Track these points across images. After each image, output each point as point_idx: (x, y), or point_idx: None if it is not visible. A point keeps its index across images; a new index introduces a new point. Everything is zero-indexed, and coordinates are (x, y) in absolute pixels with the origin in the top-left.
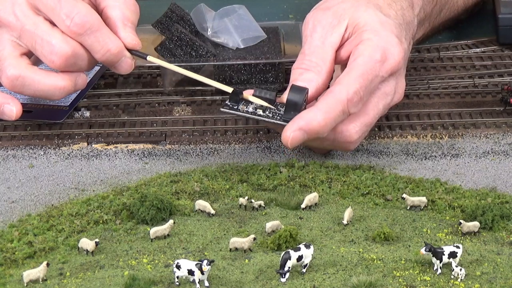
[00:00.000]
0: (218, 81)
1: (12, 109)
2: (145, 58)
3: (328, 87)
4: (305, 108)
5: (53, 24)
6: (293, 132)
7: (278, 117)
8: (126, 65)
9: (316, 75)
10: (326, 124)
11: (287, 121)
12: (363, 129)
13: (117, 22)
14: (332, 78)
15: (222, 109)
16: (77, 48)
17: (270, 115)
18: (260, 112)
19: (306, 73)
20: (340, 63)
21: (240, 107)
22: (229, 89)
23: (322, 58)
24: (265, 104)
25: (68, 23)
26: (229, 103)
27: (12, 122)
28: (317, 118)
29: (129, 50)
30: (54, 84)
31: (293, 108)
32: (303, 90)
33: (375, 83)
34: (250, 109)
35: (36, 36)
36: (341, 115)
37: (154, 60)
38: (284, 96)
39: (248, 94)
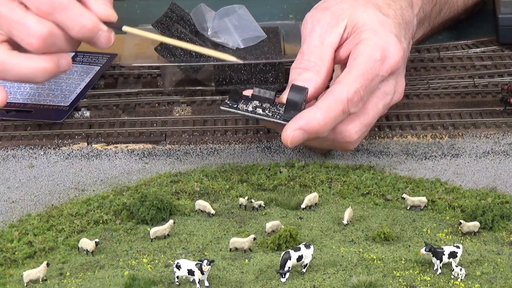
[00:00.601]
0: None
1: None
2: (120, 29)
3: (328, 87)
4: (304, 108)
5: (27, 8)
6: (293, 131)
7: (278, 116)
8: (105, 39)
9: (315, 75)
10: (326, 124)
11: (287, 121)
12: (363, 129)
13: None
14: (332, 79)
15: (221, 108)
16: (53, 28)
17: (270, 114)
18: (260, 111)
19: (304, 73)
20: (339, 63)
21: (240, 105)
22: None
23: (320, 58)
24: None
25: (37, 3)
26: (228, 102)
27: (12, 122)
28: (317, 118)
29: (105, 23)
30: (36, 66)
31: (293, 108)
32: (303, 89)
33: (375, 82)
34: (250, 108)
35: (11, 21)
36: (341, 115)
37: (129, 29)
38: (283, 97)
39: (246, 93)
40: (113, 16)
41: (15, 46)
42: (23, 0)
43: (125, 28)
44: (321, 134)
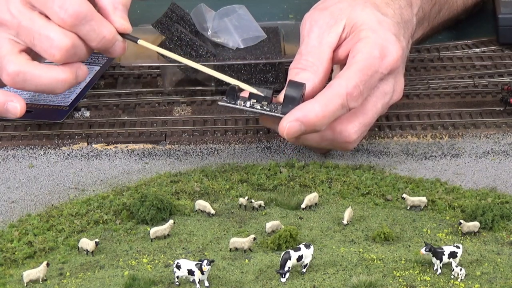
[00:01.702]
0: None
1: (16, 106)
2: (136, 42)
3: None
4: None
5: (48, 18)
6: (289, 122)
7: (275, 111)
8: (119, 48)
9: (313, 75)
10: (324, 117)
11: (285, 114)
12: (362, 129)
13: (108, 6)
14: (331, 79)
15: (219, 103)
16: (75, 39)
17: (268, 109)
18: (257, 106)
19: (302, 73)
20: (338, 63)
21: (238, 102)
22: (228, 79)
23: (318, 58)
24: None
25: (62, 15)
26: (226, 99)
27: (12, 122)
28: (314, 110)
29: (120, 34)
30: (56, 77)
31: (291, 103)
32: (300, 85)
33: (375, 79)
34: (248, 104)
35: (33, 32)
36: (340, 109)
37: (145, 44)
38: (281, 96)
39: (244, 94)
40: (129, 28)
41: (32, 55)
42: (44, 11)
43: (140, 42)
44: (318, 127)
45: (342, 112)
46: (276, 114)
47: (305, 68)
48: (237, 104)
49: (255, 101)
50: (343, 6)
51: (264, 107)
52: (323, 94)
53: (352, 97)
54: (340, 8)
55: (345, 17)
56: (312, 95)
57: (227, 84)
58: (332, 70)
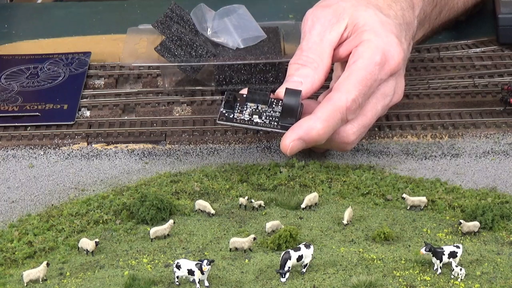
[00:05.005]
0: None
1: None
2: None
3: (327, 86)
4: (301, 108)
5: None
6: (292, 141)
7: (275, 123)
8: None
9: (312, 71)
10: (324, 133)
11: (285, 128)
12: (361, 130)
13: None
14: (331, 78)
15: (218, 122)
16: None
17: (267, 121)
18: (256, 118)
19: (302, 69)
20: (339, 61)
21: (236, 114)
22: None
23: (319, 54)
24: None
25: None
26: (224, 111)
27: (12, 121)
28: (316, 127)
29: None
30: None
31: (290, 113)
32: (297, 92)
33: (374, 88)
34: (246, 115)
35: None
36: (339, 123)
37: None
38: (280, 91)
39: (243, 91)
40: None
41: None
42: None
43: None
44: (319, 142)
45: (341, 125)
46: (277, 130)
47: (306, 64)
48: (235, 120)
49: (252, 104)
50: (346, 5)
51: (263, 118)
52: (324, 109)
53: (350, 110)
54: (343, 7)
55: (348, 16)
56: (311, 92)
57: (227, 84)
58: (332, 70)
